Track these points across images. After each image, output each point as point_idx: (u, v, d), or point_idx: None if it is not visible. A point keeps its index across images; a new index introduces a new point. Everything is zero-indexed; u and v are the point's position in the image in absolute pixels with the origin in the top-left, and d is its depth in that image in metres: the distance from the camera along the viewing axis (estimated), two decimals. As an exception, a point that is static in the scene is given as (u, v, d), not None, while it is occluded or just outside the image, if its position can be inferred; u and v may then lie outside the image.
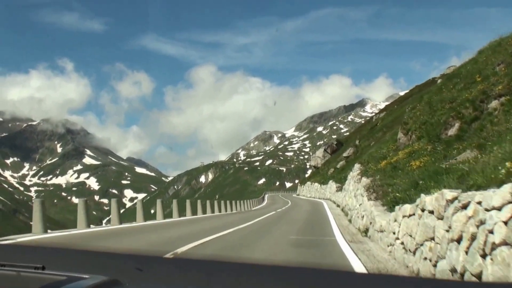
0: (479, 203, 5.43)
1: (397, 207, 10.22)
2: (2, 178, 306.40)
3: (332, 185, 46.20)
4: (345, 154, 60.18)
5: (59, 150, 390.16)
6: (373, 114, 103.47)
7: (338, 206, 33.65)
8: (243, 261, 2.00)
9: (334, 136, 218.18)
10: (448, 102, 16.82)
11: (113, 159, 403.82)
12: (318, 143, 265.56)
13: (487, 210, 5.18)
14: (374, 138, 53.56)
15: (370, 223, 13.73)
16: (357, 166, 22.30)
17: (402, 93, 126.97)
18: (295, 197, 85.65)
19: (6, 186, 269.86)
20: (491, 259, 4.96)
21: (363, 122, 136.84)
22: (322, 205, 38.19)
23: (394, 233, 10.04)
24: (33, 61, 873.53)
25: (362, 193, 16.36)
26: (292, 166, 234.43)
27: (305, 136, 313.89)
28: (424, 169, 12.42)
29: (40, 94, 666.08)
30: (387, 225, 11.04)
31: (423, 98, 23.30)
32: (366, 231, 14.36)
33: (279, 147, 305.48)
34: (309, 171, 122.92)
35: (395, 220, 10.07)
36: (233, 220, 21.34)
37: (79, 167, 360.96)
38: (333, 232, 15.25)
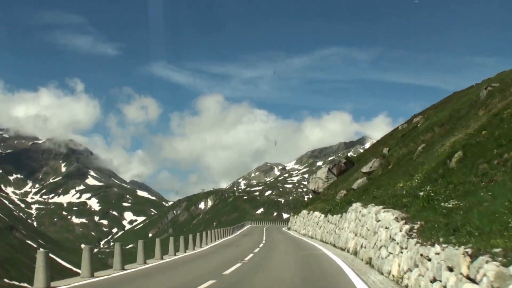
0: None
1: None
2: (4, 194, 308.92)
3: (377, 213, 17.28)
4: (365, 170, 43.56)
5: (63, 169, 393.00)
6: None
7: None
8: None
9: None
10: None
11: (116, 181, 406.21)
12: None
13: None
14: (420, 142, 33.68)
15: None
16: None
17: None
18: (283, 232, 64.26)
19: (7, 202, 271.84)
20: None
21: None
22: None
23: None
24: (43, 79, 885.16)
25: None
26: (291, 198, 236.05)
27: (305, 169, 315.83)
28: None
29: (47, 112, 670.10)
30: None
31: None
32: None
33: (279, 179, 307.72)
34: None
35: None
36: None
37: (81, 187, 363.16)
38: None
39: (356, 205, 22.91)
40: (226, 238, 47.07)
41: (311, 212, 47.89)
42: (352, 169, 62.79)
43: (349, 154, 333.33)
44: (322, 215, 38.11)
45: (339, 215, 28.68)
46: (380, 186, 26.16)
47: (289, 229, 71.18)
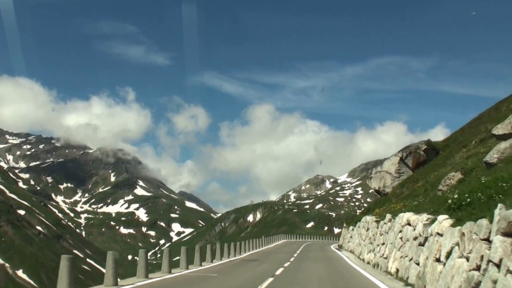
0: None
1: None
2: (54, 203, 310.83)
3: None
4: (502, 130, 19.36)
5: (112, 179, 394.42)
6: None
7: None
8: None
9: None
10: None
11: (164, 191, 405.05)
12: (370, 191, 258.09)
13: None
14: None
15: None
16: None
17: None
18: (329, 255, 37.86)
19: (57, 211, 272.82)
20: None
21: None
22: None
23: None
24: (95, 88, 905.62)
25: None
26: (342, 212, 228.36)
27: (358, 182, 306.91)
28: None
29: (97, 121, 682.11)
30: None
31: None
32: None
33: (330, 192, 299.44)
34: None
35: None
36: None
37: (130, 197, 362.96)
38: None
39: None
40: (202, 267, 25.44)
41: (388, 218, 23.19)
42: (438, 157, 43.82)
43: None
44: (445, 220, 13.50)
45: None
46: None
47: (340, 247, 49.69)
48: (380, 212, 29.76)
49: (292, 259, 32.31)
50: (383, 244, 23.28)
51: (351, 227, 44.36)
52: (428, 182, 29.74)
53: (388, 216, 23.30)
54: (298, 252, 42.54)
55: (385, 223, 23.60)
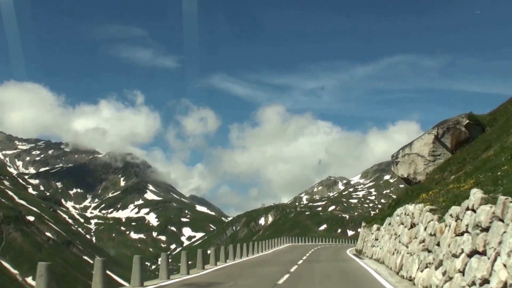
0: None
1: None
2: (64, 209, 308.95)
3: None
4: None
5: (122, 183, 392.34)
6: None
7: None
8: None
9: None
10: None
11: (174, 195, 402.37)
12: (384, 192, 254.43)
13: None
14: None
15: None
16: None
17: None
18: (347, 269, 24.51)
19: (67, 217, 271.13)
20: None
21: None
22: None
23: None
24: (104, 92, 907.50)
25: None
26: (356, 213, 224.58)
27: (371, 184, 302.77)
28: None
29: (106, 125, 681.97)
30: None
31: None
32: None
33: (343, 193, 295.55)
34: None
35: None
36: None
37: (140, 201, 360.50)
38: None
39: None
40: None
41: (480, 197, 9.99)
42: (488, 131, 34.66)
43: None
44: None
45: None
46: None
47: (359, 254, 39.78)
48: (431, 197, 18.97)
49: (283, 279, 19.14)
50: (477, 253, 10.03)
51: (375, 226, 33.31)
52: (507, 148, 19.31)
53: (478, 193, 10.48)
54: (300, 262, 30.06)
55: (471, 210, 10.75)
